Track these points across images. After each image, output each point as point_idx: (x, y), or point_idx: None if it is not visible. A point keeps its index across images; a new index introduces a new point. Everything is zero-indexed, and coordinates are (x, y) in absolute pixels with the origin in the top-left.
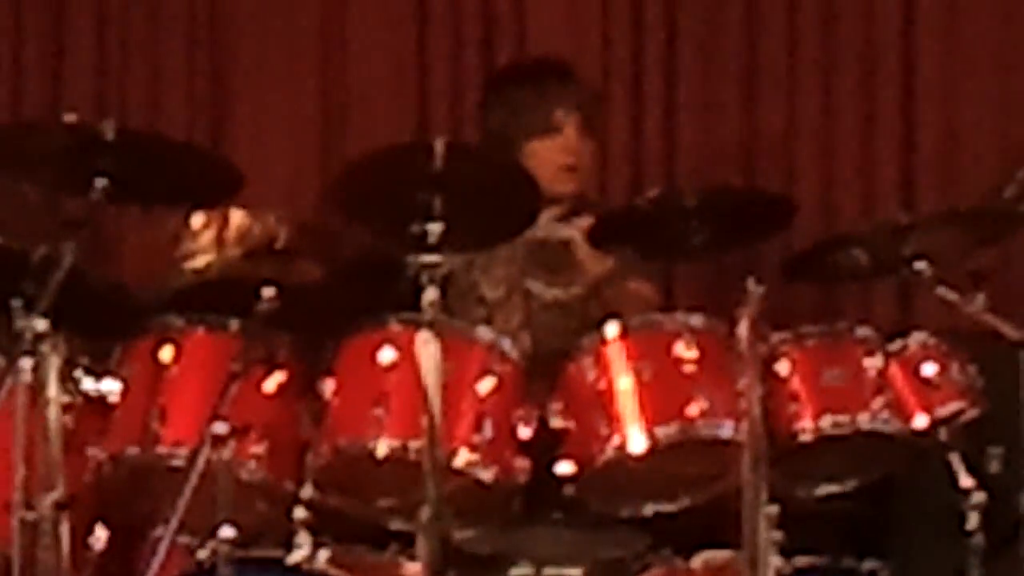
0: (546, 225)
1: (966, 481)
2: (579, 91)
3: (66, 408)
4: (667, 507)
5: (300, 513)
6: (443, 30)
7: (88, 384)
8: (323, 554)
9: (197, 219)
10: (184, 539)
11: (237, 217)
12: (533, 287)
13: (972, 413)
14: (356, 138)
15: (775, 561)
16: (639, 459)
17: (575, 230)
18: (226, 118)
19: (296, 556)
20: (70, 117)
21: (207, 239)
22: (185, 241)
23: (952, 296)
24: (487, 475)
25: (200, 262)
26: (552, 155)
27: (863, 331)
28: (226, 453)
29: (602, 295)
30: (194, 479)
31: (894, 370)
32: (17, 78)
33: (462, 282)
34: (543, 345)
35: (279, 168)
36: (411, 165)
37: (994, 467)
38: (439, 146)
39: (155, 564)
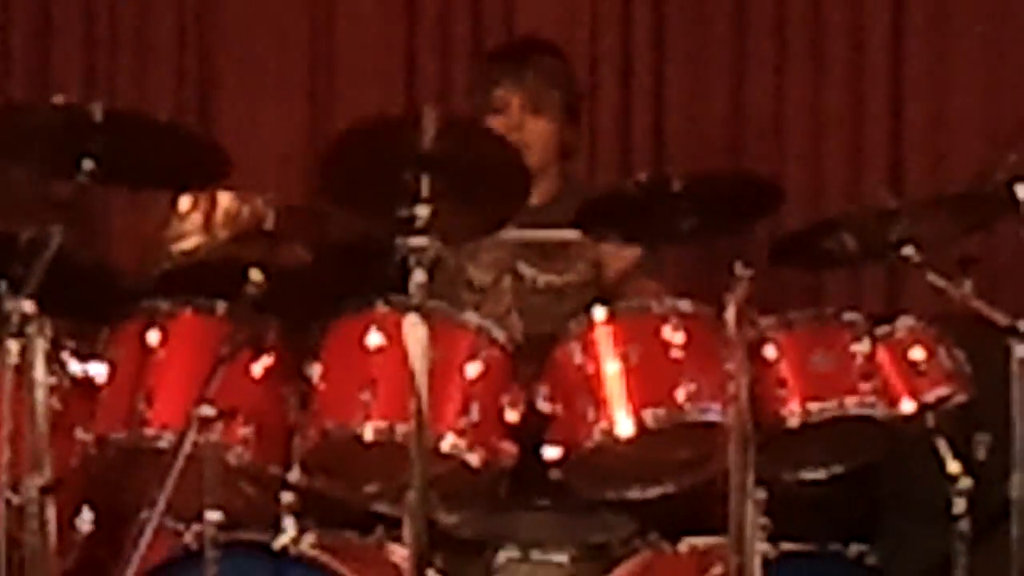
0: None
1: (953, 466)
2: (522, 67)
3: (53, 391)
4: (654, 491)
5: (287, 497)
6: (432, 14)
7: (75, 367)
8: (309, 538)
9: (184, 201)
10: (170, 522)
11: (225, 199)
12: (525, 271)
13: (959, 398)
14: (345, 121)
15: (762, 546)
16: (626, 443)
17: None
18: (214, 101)
19: (283, 540)
20: (59, 98)
21: (195, 221)
22: (172, 223)
23: (940, 281)
24: (474, 459)
25: (188, 244)
26: (499, 131)
27: (851, 316)
28: (213, 436)
29: (605, 285)
30: (181, 462)
31: (882, 355)
32: (5, 60)
33: (450, 267)
34: (533, 329)
35: (267, 150)
36: (400, 140)
37: (981, 453)
38: (428, 117)
39: (141, 547)
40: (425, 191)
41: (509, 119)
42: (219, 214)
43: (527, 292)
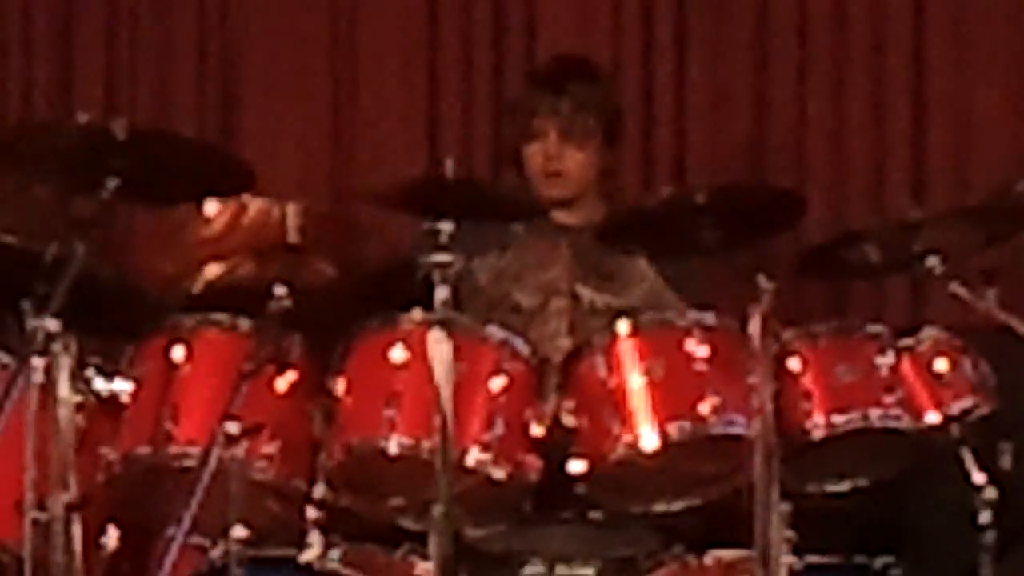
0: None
1: (978, 477)
2: (559, 98)
3: (78, 408)
4: (679, 505)
5: (312, 512)
6: (454, 24)
7: (100, 384)
8: (335, 553)
9: (211, 206)
10: (196, 539)
11: (255, 204)
12: (583, 292)
13: (984, 409)
14: (367, 136)
15: (787, 559)
16: (651, 457)
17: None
18: (236, 119)
19: (308, 555)
20: (83, 117)
21: (221, 225)
22: (198, 226)
23: (964, 292)
24: (499, 473)
25: (214, 271)
26: (535, 160)
27: (875, 327)
28: (238, 453)
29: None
30: (206, 479)
31: (906, 366)
32: (28, 79)
33: (492, 294)
34: None
35: (289, 167)
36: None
37: (1006, 463)
38: (449, 169)
39: (167, 564)
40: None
41: (547, 148)
42: (247, 218)
43: (584, 314)
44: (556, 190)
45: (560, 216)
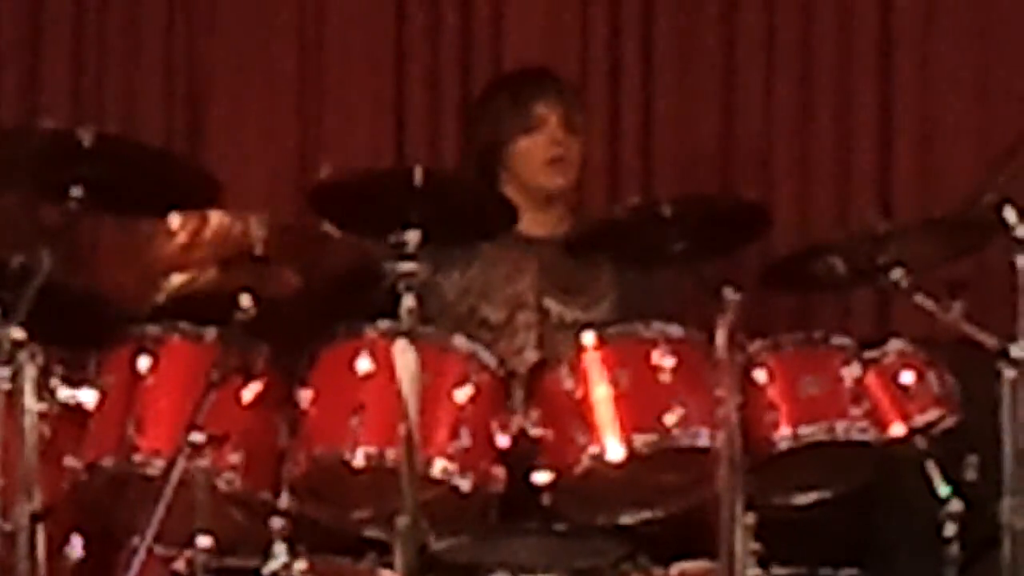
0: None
1: (943, 489)
2: (558, 86)
3: (42, 417)
4: (644, 516)
5: (277, 523)
6: (420, 35)
7: (65, 393)
8: (300, 564)
9: (174, 219)
10: (161, 549)
11: (216, 218)
12: (552, 306)
13: (949, 422)
14: (334, 145)
15: (752, 571)
16: (616, 468)
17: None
18: (203, 127)
19: (273, 566)
20: (47, 123)
21: (183, 239)
22: (162, 241)
23: (929, 304)
24: (464, 484)
25: (179, 280)
26: (537, 150)
27: (840, 339)
28: (203, 463)
29: None
30: (171, 489)
31: (871, 378)
32: None
33: (460, 309)
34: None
35: (256, 176)
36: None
37: (971, 475)
38: (418, 174)
39: (132, 574)
40: (415, 217)
41: (551, 135)
42: (209, 231)
43: (551, 328)
44: (559, 179)
45: (527, 228)
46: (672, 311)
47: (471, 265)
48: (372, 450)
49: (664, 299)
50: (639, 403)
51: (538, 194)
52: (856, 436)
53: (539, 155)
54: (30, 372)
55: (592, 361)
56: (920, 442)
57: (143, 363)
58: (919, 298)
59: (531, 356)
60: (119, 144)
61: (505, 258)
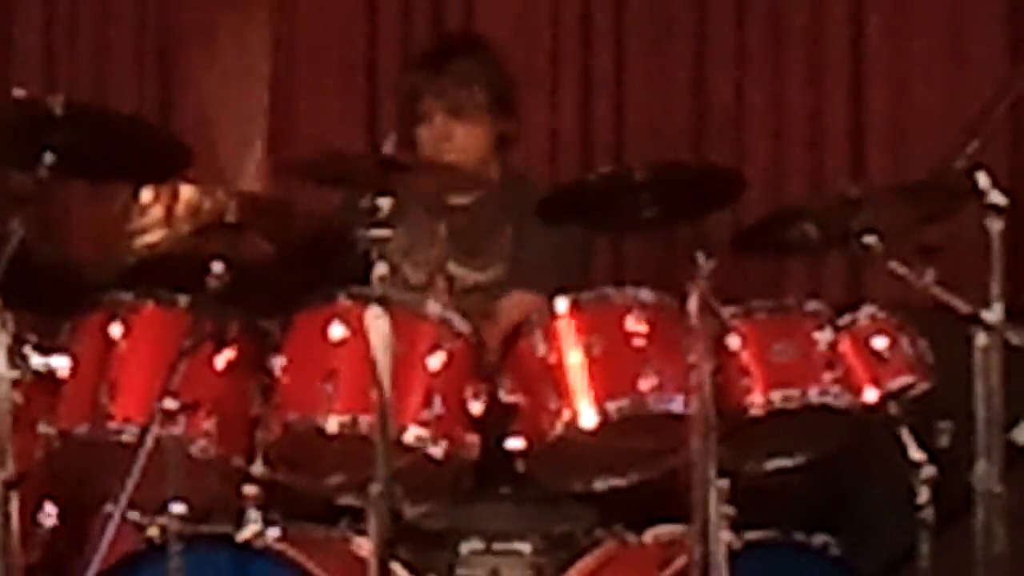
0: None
1: (916, 455)
2: (446, 77)
3: (15, 385)
4: (618, 482)
5: (250, 489)
6: (393, 6)
7: (37, 360)
8: (273, 530)
9: (146, 194)
10: (134, 515)
11: (187, 192)
12: (455, 271)
13: (922, 387)
14: (305, 112)
15: (726, 535)
16: (590, 434)
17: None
18: (174, 96)
19: (246, 532)
20: (19, 92)
21: (156, 214)
22: (134, 216)
23: (902, 270)
24: (437, 451)
25: (150, 238)
26: (427, 138)
27: (813, 305)
28: (176, 429)
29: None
30: (144, 455)
31: (844, 344)
32: None
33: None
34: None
35: (227, 145)
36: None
37: (944, 441)
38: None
39: (105, 541)
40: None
41: (435, 129)
42: (181, 206)
43: (459, 292)
44: (451, 155)
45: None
46: (576, 271)
47: (399, 225)
48: (345, 417)
49: (568, 257)
50: (612, 369)
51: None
52: (829, 401)
53: (428, 142)
54: (2, 339)
55: (565, 327)
56: (893, 408)
57: (116, 330)
58: (892, 264)
59: None
60: (90, 112)
61: (425, 222)
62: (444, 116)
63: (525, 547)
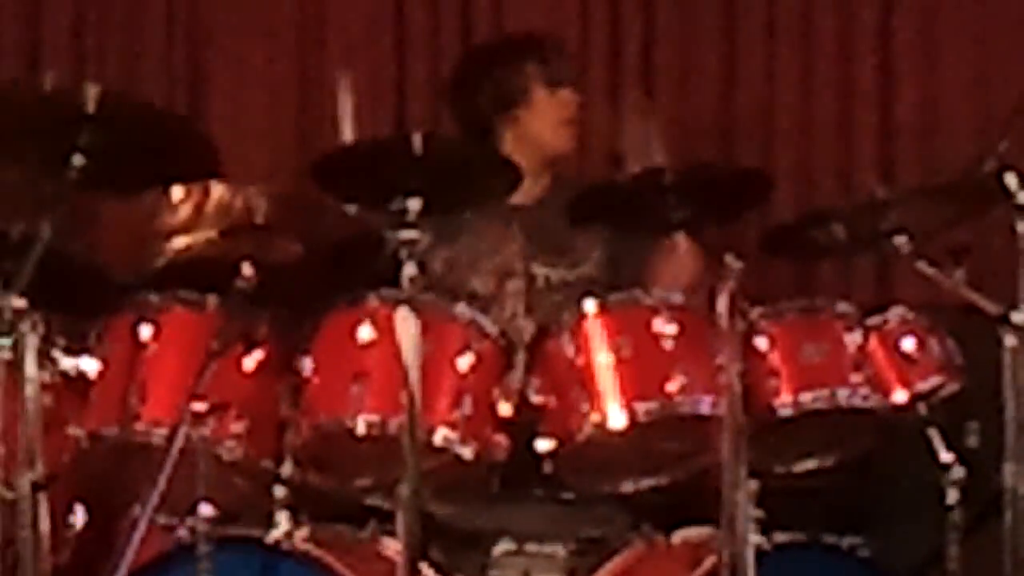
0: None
1: (945, 456)
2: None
3: (44, 387)
4: (647, 483)
5: (279, 491)
6: (421, 8)
7: (66, 362)
8: (302, 532)
9: (177, 191)
10: (163, 518)
11: (218, 190)
12: (538, 271)
13: (951, 388)
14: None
15: (755, 537)
16: (618, 435)
17: None
18: (203, 97)
19: (275, 534)
20: (50, 79)
21: (186, 212)
22: (164, 214)
23: (931, 271)
24: (466, 452)
25: (180, 243)
26: (557, 107)
27: (842, 306)
28: (205, 431)
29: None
30: (173, 458)
31: (873, 345)
32: None
33: (448, 283)
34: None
35: (257, 145)
36: (390, 155)
37: (973, 442)
38: (416, 141)
39: (134, 543)
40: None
41: (569, 95)
42: (211, 204)
43: (540, 292)
44: (570, 142)
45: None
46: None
47: (457, 239)
48: (374, 418)
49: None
50: (641, 370)
51: (541, 157)
52: (858, 403)
53: (555, 113)
54: (32, 341)
55: (594, 328)
56: (922, 409)
57: (145, 332)
58: (920, 264)
59: (523, 324)
60: (122, 105)
61: (490, 229)
62: (574, 87)
63: (558, 549)
